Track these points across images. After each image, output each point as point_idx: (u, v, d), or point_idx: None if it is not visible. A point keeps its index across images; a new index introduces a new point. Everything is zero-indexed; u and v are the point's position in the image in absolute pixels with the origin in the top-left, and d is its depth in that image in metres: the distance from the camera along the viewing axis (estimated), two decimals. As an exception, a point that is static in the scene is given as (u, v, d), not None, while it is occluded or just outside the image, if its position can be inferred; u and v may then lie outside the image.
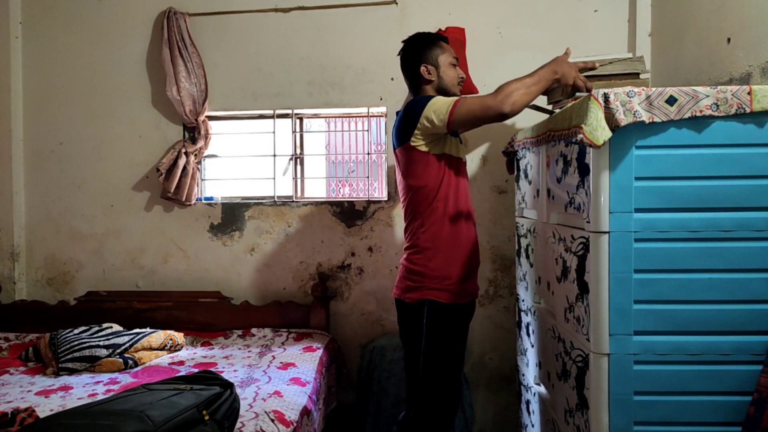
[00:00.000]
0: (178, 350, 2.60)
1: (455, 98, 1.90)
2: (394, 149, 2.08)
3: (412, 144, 1.95)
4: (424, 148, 1.95)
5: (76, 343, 2.38)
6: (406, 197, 2.06)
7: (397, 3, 2.84)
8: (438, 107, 1.88)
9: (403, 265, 2.06)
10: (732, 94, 1.37)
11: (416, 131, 1.93)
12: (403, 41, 2.10)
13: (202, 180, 3.05)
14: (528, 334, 2.16)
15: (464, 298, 1.99)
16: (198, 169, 2.97)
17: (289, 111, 2.97)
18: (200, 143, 2.90)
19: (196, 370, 2.23)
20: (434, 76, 2.03)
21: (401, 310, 2.09)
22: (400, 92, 2.86)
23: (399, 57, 2.10)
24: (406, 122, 1.96)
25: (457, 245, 1.98)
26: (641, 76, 1.85)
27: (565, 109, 1.65)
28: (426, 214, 1.98)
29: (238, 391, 1.87)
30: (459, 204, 2.00)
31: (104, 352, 2.36)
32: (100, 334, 2.49)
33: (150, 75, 3.01)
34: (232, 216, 2.99)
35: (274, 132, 3.00)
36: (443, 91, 2.03)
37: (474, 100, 1.86)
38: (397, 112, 2.14)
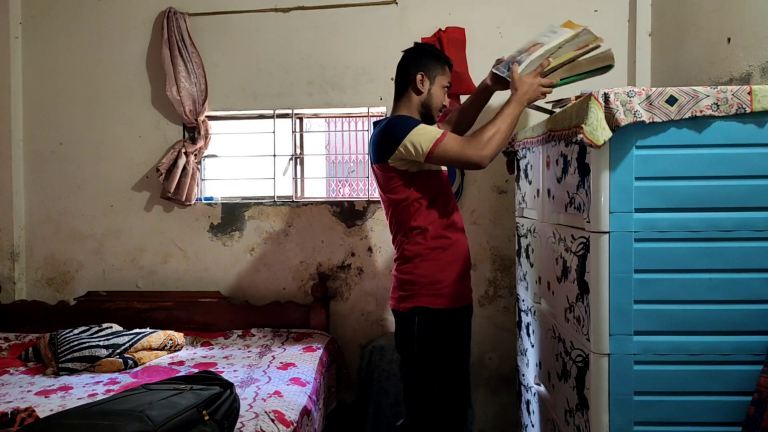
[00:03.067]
0: (178, 350, 2.60)
1: (438, 134, 1.84)
2: (371, 163, 2.04)
3: (390, 164, 1.92)
4: (402, 168, 1.92)
5: (75, 343, 2.37)
6: (387, 210, 2.04)
7: (397, 3, 2.84)
8: (419, 140, 1.84)
9: (393, 275, 2.05)
10: (732, 94, 1.37)
11: (395, 154, 1.89)
12: (415, 42, 2.08)
13: (202, 180, 3.05)
14: (528, 334, 2.16)
15: (458, 302, 1.96)
16: (198, 169, 2.97)
17: (289, 111, 2.97)
18: (200, 143, 2.90)
19: (196, 370, 2.23)
20: (425, 89, 1.99)
21: (397, 319, 2.08)
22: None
23: (402, 54, 2.06)
24: (385, 142, 1.91)
25: (445, 251, 1.96)
26: (602, 48, 1.83)
27: (565, 108, 1.65)
28: (409, 227, 1.96)
29: (238, 391, 1.87)
30: (441, 213, 1.97)
31: (104, 352, 2.36)
32: (100, 334, 2.49)
33: (150, 75, 3.01)
34: (232, 216, 2.99)
35: (274, 132, 3.00)
36: (425, 108, 2.01)
37: (454, 145, 1.83)
38: (375, 123, 2.10)
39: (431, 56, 2.02)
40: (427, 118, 2.02)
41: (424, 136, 1.85)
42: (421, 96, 2.00)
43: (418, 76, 1.98)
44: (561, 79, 1.91)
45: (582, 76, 1.90)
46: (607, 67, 1.87)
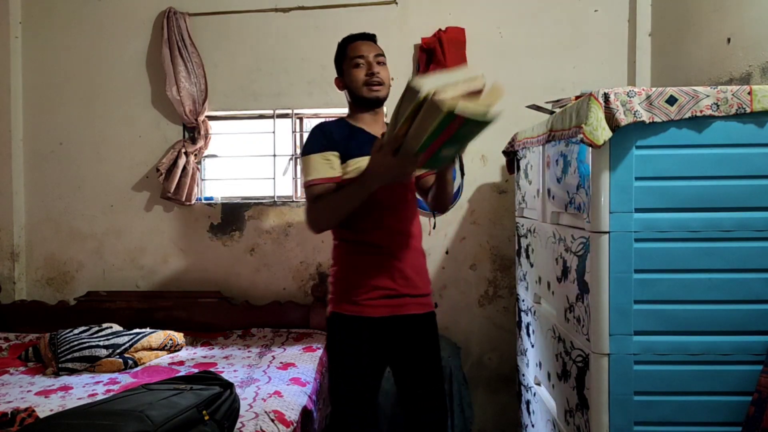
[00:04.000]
0: (178, 350, 2.60)
1: (310, 177, 1.74)
2: None
3: None
4: None
5: (75, 343, 2.37)
6: None
7: (397, 3, 2.84)
8: (304, 169, 1.78)
9: None
10: (732, 94, 1.37)
11: None
12: None
13: (202, 180, 3.05)
14: (528, 334, 2.16)
15: (358, 311, 1.80)
16: (198, 169, 2.97)
17: (289, 111, 2.97)
18: (200, 143, 2.90)
19: (196, 370, 2.23)
20: (343, 85, 1.88)
21: None
22: (400, 92, 2.85)
23: None
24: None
25: (351, 257, 1.83)
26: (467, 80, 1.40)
27: (565, 108, 1.66)
28: (333, 230, 1.89)
29: (238, 391, 1.87)
30: (358, 219, 1.77)
31: (104, 352, 2.36)
32: (100, 334, 2.49)
33: (150, 75, 3.01)
34: (232, 216, 2.98)
35: (274, 132, 3.00)
36: (353, 97, 1.86)
37: (307, 199, 1.76)
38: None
39: (335, 58, 1.93)
40: (366, 101, 1.83)
41: (306, 170, 1.77)
42: (345, 92, 1.89)
43: (335, 82, 1.92)
44: (420, 147, 1.44)
45: (436, 135, 1.38)
46: (469, 123, 1.35)
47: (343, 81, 1.88)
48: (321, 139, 1.79)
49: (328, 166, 1.75)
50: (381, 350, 1.83)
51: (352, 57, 1.83)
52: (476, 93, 1.39)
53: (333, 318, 1.86)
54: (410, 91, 1.36)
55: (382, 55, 1.85)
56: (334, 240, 1.90)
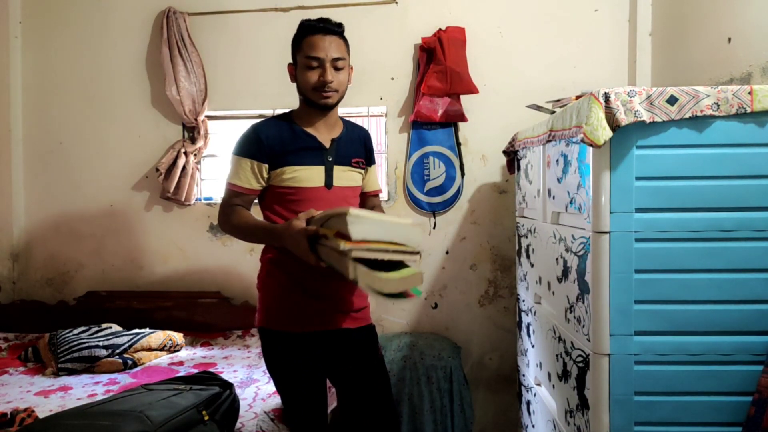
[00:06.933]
0: (178, 350, 2.60)
1: (230, 179, 1.71)
2: None
3: None
4: None
5: (75, 343, 2.37)
6: None
7: (397, 3, 2.83)
8: (229, 168, 1.72)
9: None
10: (733, 94, 1.36)
11: None
12: None
13: (202, 180, 3.05)
14: (528, 335, 2.16)
15: (285, 326, 1.69)
16: (197, 168, 2.97)
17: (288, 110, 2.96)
18: (200, 143, 2.90)
19: (196, 371, 2.23)
20: (294, 77, 1.75)
21: None
22: (400, 92, 2.86)
23: None
24: None
25: (275, 266, 1.72)
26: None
27: (565, 108, 1.65)
28: None
29: (237, 391, 1.87)
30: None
31: (104, 352, 2.36)
32: (100, 334, 2.48)
33: (149, 75, 3.01)
34: (231, 216, 2.98)
35: (273, 132, 2.99)
36: (303, 96, 1.75)
37: (224, 196, 1.72)
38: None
39: (293, 39, 1.76)
40: (313, 104, 1.72)
41: (231, 169, 1.72)
42: (297, 85, 1.76)
43: (288, 69, 1.78)
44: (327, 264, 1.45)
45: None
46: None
47: (296, 72, 1.74)
48: (254, 146, 1.69)
49: (252, 176, 1.69)
50: (316, 363, 1.73)
51: (307, 56, 1.68)
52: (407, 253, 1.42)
53: (263, 332, 1.75)
54: (341, 220, 1.34)
55: (342, 58, 1.69)
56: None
